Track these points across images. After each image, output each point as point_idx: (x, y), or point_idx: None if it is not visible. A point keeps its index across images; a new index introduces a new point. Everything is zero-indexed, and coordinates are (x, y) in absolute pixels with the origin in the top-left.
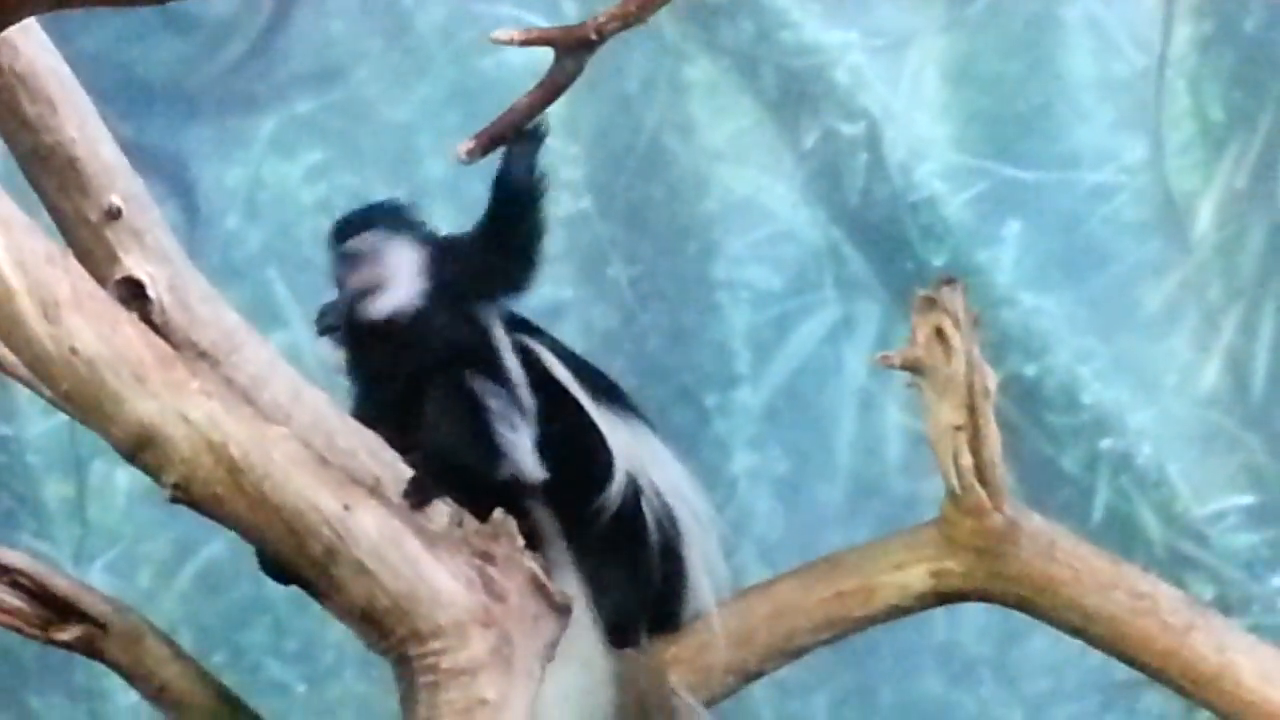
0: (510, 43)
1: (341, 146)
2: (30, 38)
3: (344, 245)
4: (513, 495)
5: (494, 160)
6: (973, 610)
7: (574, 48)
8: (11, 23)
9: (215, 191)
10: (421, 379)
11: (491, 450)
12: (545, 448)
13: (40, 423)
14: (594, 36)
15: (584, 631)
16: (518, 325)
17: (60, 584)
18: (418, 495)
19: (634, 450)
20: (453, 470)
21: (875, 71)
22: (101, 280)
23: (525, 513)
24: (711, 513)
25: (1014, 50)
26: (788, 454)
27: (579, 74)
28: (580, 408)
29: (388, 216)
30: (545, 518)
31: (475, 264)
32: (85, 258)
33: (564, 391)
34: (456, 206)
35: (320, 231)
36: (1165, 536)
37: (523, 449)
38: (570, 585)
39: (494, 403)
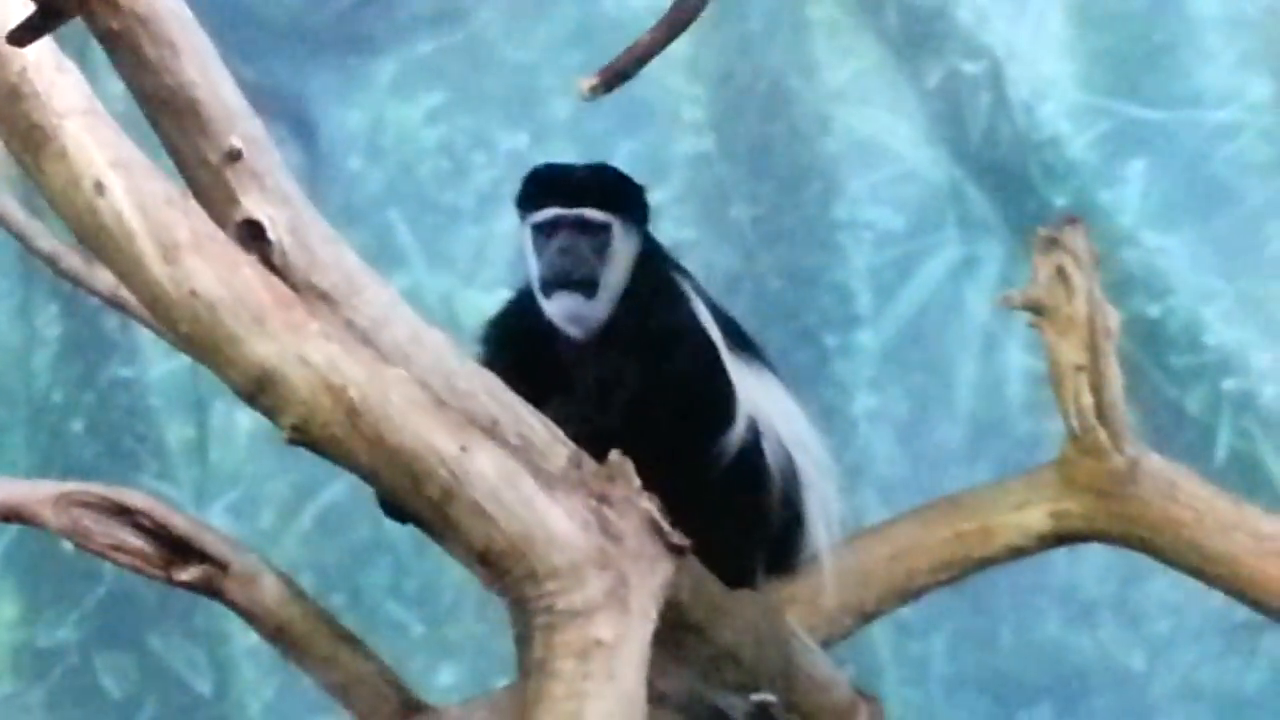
0: None
1: (463, 88)
2: None
3: None
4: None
5: (615, 99)
6: (1093, 551)
7: None
8: None
9: (336, 133)
10: None
11: None
12: (671, 388)
13: (162, 365)
14: None
15: None
16: (665, 261)
17: (180, 524)
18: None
19: (756, 393)
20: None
21: (998, 10)
22: (221, 222)
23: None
24: (830, 457)
25: None
26: (908, 395)
27: (702, 10)
28: (713, 349)
29: None
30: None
31: None
32: (205, 200)
33: (700, 331)
34: (579, 146)
35: (441, 173)
36: None
37: None
38: None
39: None
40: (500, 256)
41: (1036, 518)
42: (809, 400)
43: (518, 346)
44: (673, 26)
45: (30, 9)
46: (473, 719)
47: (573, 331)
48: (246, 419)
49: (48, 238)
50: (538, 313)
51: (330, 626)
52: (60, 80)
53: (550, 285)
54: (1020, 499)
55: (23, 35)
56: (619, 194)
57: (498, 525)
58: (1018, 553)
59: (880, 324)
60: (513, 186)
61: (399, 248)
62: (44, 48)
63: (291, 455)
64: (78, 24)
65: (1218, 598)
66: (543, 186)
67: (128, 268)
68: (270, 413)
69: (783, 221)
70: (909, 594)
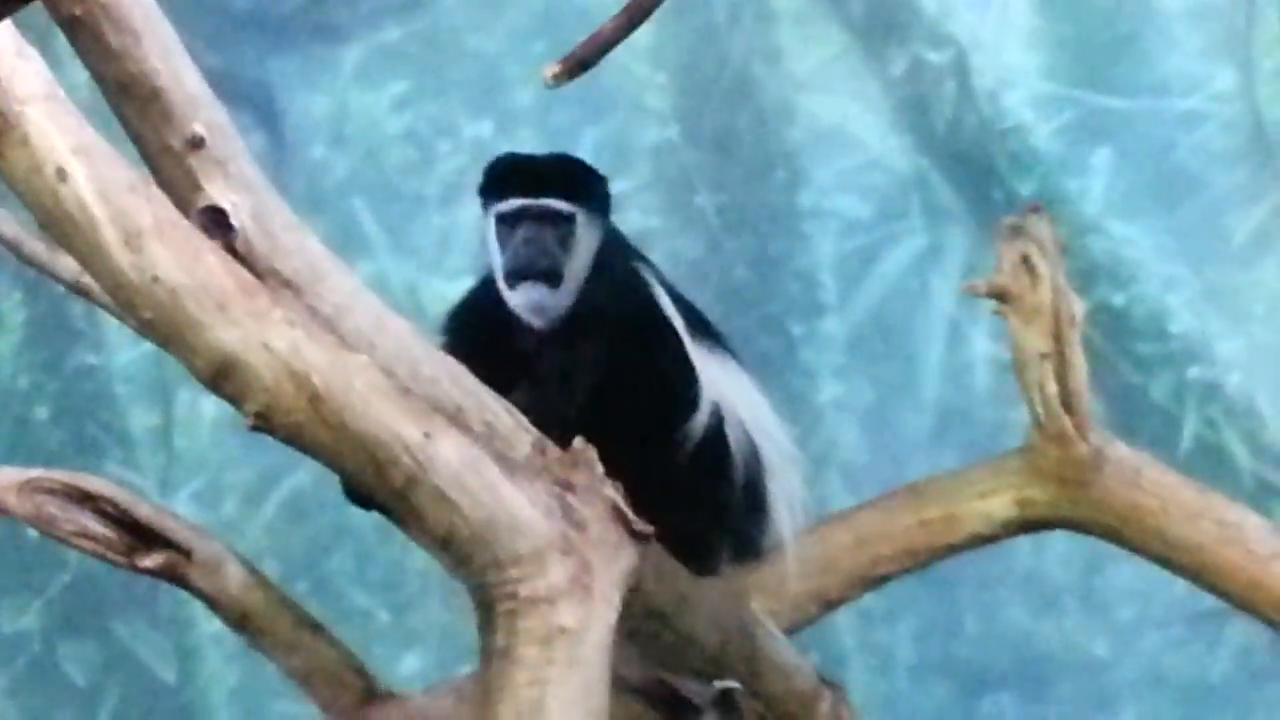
0: None
1: (427, 75)
2: None
3: None
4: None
5: (580, 88)
6: (1057, 539)
7: None
8: None
9: (301, 121)
10: None
11: None
12: (633, 376)
13: (127, 352)
14: None
15: None
16: (627, 250)
17: (144, 511)
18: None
19: (719, 381)
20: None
21: None
22: (184, 209)
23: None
24: (794, 444)
25: None
26: (874, 383)
27: None
28: (675, 337)
29: None
30: None
31: None
32: (168, 187)
33: (663, 319)
34: (543, 135)
35: (406, 161)
36: (1253, 466)
37: None
38: None
39: None
40: (464, 244)
41: (1001, 505)
42: (774, 388)
43: (480, 335)
44: (636, 14)
45: None
46: (436, 706)
47: (536, 321)
48: (211, 406)
49: (10, 224)
50: (500, 301)
51: (293, 613)
52: (22, 66)
53: (514, 276)
54: (985, 487)
55: None
56: (582, 184)
57: (461, 512)
58: (982, 540)
59: (845, 312)
60: (477, 175)
61: (363, 235)
62: (5, 34)
63: (256, 442)
64: (40, 10)
65: (1182, 585)
66: (506, 176)
67: (90, 254)
68: (233, 399)
69: (748, 209)
70: (873, 581)
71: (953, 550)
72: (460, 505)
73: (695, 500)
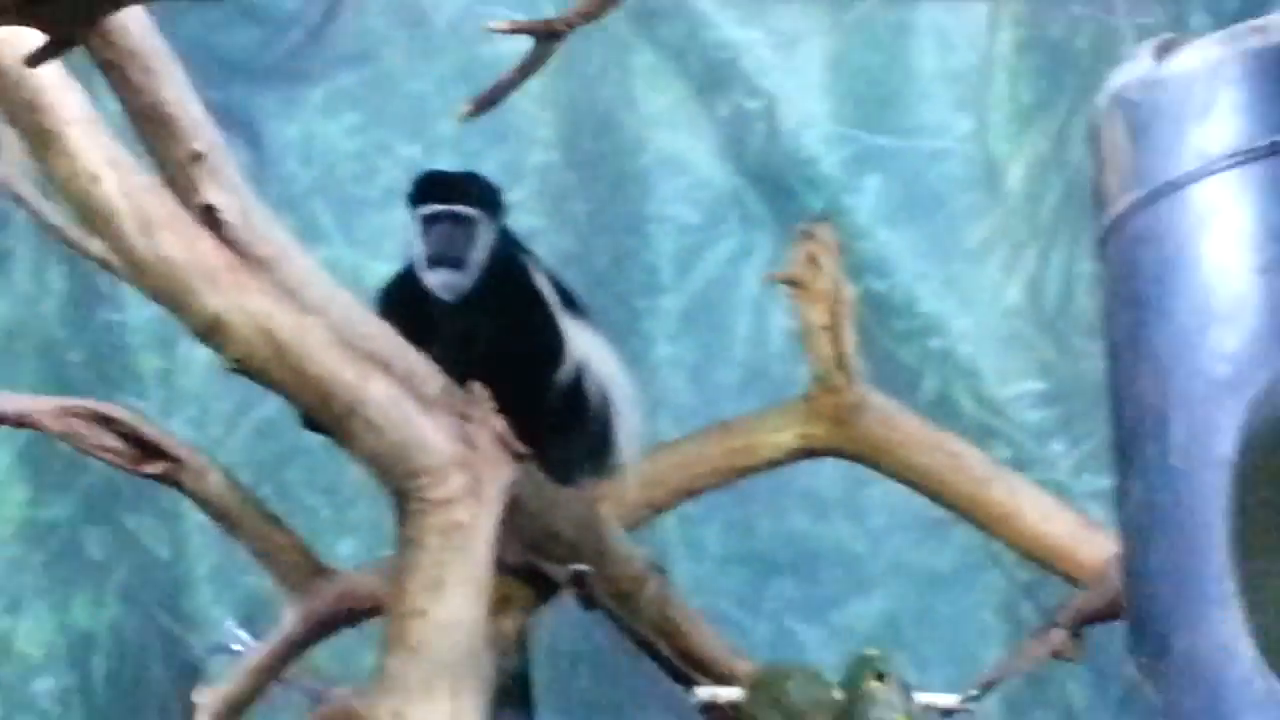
0: (500, 31)
1: (373, 110)
2: (137, 24)
3: None
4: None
5: (486, 121)
6: (829, 464)
7: (547, 36)
8: (111, 12)
9: (277, 143)
10: None
11: None
12: (517, 338)
13: (140, 311)
14: (563, 28)
15: None
16: (516, 244)
17: (148, 430)
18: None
19: (581, 342)
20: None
21: (774, 61)
22: (187, 206)
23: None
24: (636, 391)
25: (878, 47)
26: (698, 346)
27: (550, 56)
28: (547, 308)
29: None
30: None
31: None
32: (175, 189)
33: (539, 296)
34: (459, 156)
35: (355, 174)
36: (976, 412)
37: None
38: None
39: None
40: (397, 238)
41: (788, 438)
42: (622, 348)
43: (405, 306)
44: (528, 68)
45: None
46: (364, 580)
47: (446, 297)
48: (203, 353)
49: (57, 215)
50: (420, 281)
51: (260, 509)
52: (67, 96)
53: (431, 262)
54: (777, 424)
55: (37, 58)
56: (483, 194)
57: (385, 436)
58: (773, 464)
59: (678, 293)
60: (407, 185)
61: (322, 230)
62: (55, 70)
63: (235, 381)
64: (83, 54)
65: (921, 499)
66: (427, 187)
67: (115, 238)
68: (219, 349)
69: (608, 215)
70: (691, 493)
71: (752, 471)
72: (384, 431)
73: (561, 430)
